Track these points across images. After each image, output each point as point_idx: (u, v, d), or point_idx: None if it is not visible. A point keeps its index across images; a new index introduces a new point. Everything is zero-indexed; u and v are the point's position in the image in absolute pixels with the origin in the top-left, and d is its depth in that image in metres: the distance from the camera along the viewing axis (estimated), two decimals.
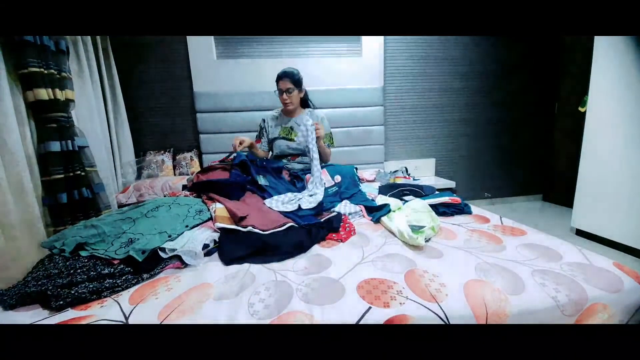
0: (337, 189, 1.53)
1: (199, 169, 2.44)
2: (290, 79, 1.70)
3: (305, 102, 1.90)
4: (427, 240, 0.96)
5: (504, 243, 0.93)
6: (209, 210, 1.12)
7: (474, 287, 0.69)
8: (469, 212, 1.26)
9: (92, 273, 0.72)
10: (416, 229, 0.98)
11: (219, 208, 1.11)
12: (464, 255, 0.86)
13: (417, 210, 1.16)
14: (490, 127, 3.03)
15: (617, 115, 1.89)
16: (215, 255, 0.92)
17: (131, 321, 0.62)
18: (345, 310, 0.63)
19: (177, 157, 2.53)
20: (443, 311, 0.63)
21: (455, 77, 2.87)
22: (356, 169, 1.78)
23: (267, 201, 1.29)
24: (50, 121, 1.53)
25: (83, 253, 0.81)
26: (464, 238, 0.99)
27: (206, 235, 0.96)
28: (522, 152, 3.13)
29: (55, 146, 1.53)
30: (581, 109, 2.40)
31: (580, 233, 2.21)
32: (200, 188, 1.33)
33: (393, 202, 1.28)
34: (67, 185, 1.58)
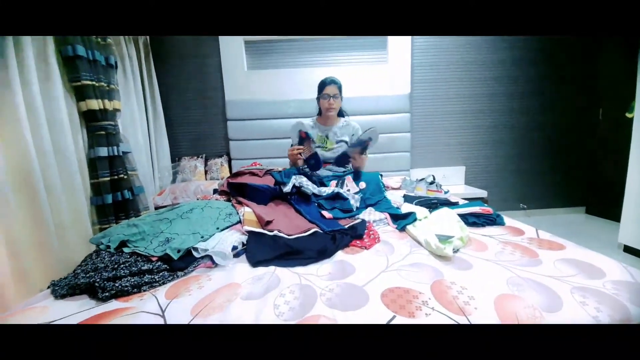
0: (361, 195, 1.53)
1: (228, 174, 2.55)
2: (337, 85, 1.79)
3: (340, 111, 1.95)
4: (455, 251, 0.94)
5: (539, 257, 0.88)
6: (237, 213, 1.17)
7: (505, 302, 0.66)
8: (502, 224, 1.21)
9: (133, 268, 0.79)
10: (444, 238, 0.95)
11: (247, 212, 1.16)
12: (495, 268, 0.83)
13: (444, 219, 1.13)
14: (527, 134, 2.88)
15: None
16: (243, 257, 0.95)
17: (167, 314, 0.66)
18: (369, 318, 0.63)
19: (209, 163, 2.66)
20: None
21: (487, 82, 2.78)
22: (381, 175, 1.77)
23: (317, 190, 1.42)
24: (99, 129, 1.69)
25: (126, 249, 0.88)
26: (495, 250, 0.95)
27: (235, 237, 1.00)
28: (562, 160, 2.93)
29: (103, 151, 1.68)
30: (629, 115, 2.22)
31: (628, 250, 2.02)
32: (236, 189, 1.41)
33: (419, 210, 1.26)
34: (112, 188, 1.72)
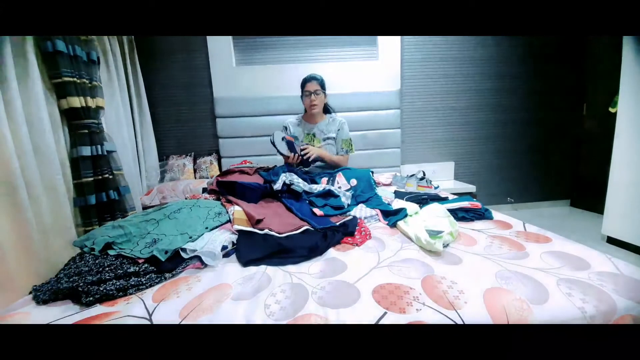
0: (352, 192, 1.53)
1: (218, 172, 2.51)
2: (317, 82, 1.77)
3: (326, 108, 1.94)
4: (445, 246, 0.95)
5: (527, 250, 0.90)
6: (227, 212, 1.15)
7: (494, 295, 0.67)
8: (490, 218, 1.23)
9: (119, 271, 0.76)
10: (434, 234, 0.96)
11: (237, 211, 1.14)
12: (484, 262, 0.84)
13: (434, 214, 1.14)
14: (514, 129, 2.93)
15: None
16: (234, 256, 0.94)
17: (154, 317, 0.65)
18: (360, 315, 0.63)
19: (198, 161, 2.61)
20: (462, 319, 0.61)
21: (475, 79, 2.81)
22: (372, 172, 1.77)
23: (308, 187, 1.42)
24: (82, 127, 1.63)
25: (111, 252, 0.85)
26: (484, 244, 0.96)
27: (225, 237, 0.99)
28: (548, 154, 3.00)
29: (87, 150, 1.63)
30: (611, 110, 2.29)
31: (611, 241, 2.09)
32: (225, 187, 1.39)
33: (410, 206, 1.26)
34: (96, 188, 1.67)
